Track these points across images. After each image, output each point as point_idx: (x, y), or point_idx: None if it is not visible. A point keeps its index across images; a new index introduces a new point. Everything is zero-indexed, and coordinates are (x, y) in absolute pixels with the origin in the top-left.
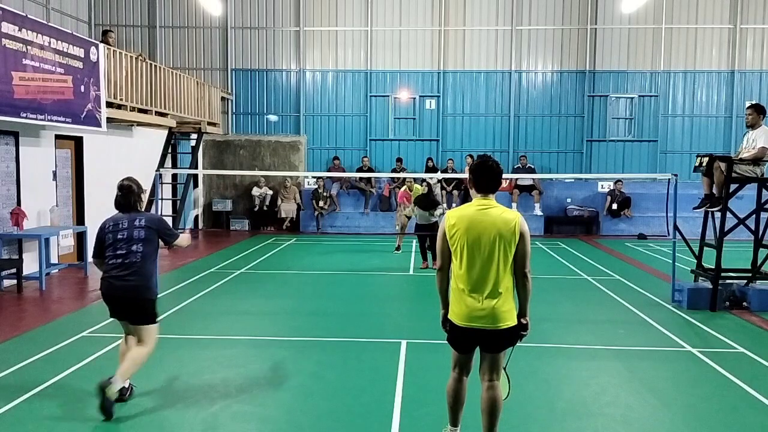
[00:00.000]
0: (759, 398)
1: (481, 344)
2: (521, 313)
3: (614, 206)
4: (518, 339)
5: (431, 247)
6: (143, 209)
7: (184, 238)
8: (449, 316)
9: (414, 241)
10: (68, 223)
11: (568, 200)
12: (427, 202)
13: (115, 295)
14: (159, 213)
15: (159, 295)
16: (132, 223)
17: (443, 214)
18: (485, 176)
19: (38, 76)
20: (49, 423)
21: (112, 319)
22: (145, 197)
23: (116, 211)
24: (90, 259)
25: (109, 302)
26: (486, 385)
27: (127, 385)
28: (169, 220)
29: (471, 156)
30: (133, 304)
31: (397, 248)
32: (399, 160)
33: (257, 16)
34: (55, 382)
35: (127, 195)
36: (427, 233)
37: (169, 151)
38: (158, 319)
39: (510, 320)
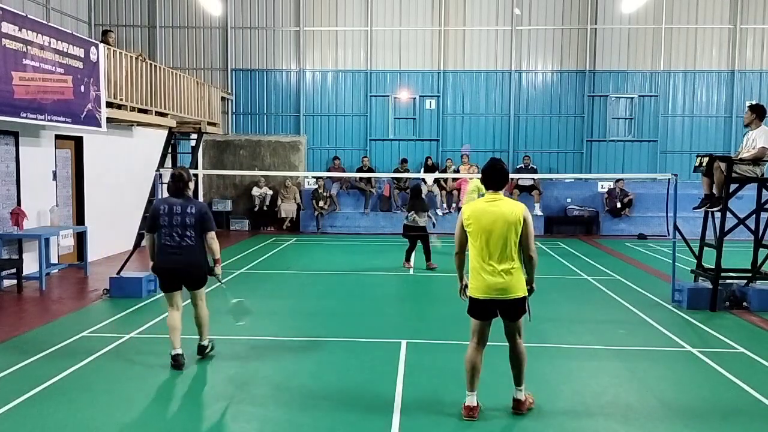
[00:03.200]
0: (759, 398)
1: (499, 312)
2: (529, 281)
3: (619, 205)
4: (528, 294)
5: (426, 247)
6: (190, 195)
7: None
8: (469, 293)
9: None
10: (68, 223)
11: (568, 200)
12: (424, 204)
13: (174, 268)
14: None
15: (159, 295)
16: (185, 209)
17: (430, 217)
18: (494, 176)
19: (38, 76)
20: (48, 422)
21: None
22: (191, 185)
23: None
24: (90, 258)
25: (166, 273)
26: (511, 345)
27: (206, 344)
28: None
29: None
30: (189, 276)
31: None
32: (404, 161)
33: (257, 16)
34: (54, 382)
35: (178, 182)
36: (418, 234)
37: (169, 151)
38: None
39: (520, 291)
